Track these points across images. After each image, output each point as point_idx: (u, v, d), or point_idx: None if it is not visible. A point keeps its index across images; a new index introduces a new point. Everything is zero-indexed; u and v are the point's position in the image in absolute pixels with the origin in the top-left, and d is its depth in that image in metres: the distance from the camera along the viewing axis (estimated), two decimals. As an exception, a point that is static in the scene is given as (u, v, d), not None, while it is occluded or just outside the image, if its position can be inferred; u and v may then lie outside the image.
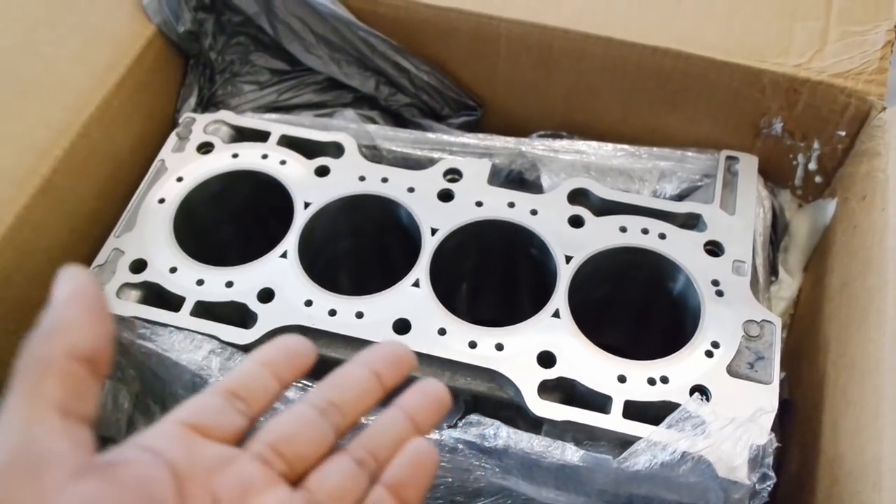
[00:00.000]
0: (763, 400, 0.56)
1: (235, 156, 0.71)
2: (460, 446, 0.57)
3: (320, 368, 0.62)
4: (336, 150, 0.72)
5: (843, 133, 0.69)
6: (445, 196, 0.68)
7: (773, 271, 0.75)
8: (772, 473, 0.51)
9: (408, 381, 0.40)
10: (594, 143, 0.73)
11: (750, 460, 0.52)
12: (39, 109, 0.65)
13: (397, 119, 0.81)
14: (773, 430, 0.54)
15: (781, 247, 0.77)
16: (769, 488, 0.50)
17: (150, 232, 0.66)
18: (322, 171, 0.70)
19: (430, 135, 0.74)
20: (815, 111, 0.69)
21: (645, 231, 0.66)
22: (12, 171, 0.63)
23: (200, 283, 0.63)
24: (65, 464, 0.29)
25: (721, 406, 0.55)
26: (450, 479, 0.58)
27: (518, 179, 0.74)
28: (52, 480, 0.28)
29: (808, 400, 0.63)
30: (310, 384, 0.59)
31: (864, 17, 0.70)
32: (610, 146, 0.73)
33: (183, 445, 0.33)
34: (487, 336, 0.60)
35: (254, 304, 0.62)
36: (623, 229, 0.66)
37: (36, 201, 0.62)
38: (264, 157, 0.71)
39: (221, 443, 0.35)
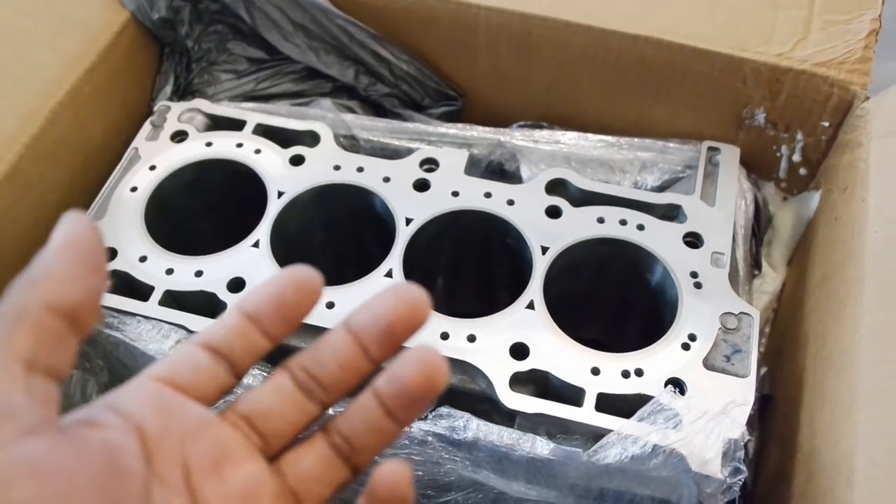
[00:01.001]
0: (740, 393, 0.55)
1: (209, 144, 0.70)
2: (430, 439, 0.55)
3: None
4: (311, 139, 0.71)
5: (827, 123, 0.68)
6: (421, 186, 0.67)
7: (755, 265, 0.74)
8: (743, 467, 0.49)
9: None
10: (574, 134, 0.72)
11: (723, 454, 0.51)
12: (6, 96, 0.64)
13: (377, 109, 0.80)
14: (751, 425, 0.53)
15: (765, 240, 0.76)
16: (740, 482, 0.49)
17: (120, 221, 0.65)
18: (296, 161, 0.69)
19: (408, 124, 0.73)
20: (797, 101, 0.68)
21: (623, 222, 0.65)
22: (-23, 158, 0.62)
23: (170, 272, 0.62)
24: (18, 419, 0.27)
25: (696, 399, 0.54)
26: (420, 473, 0.57)
27: (498, 170, 0.73)
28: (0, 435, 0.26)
29: (788, 395, 0.62)
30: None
31: (848, 6, 0.68)
32: (590, 137, 0.72)
33: (158, 407, 0.32)
34: (459, 327, 0.59)
35: (223, 294, 0.61)
36: (601, 220, 0.65)
37: (1, 188, 0.61)
38: (239, 145, 0.70)
39: (200, 403, 0.33)
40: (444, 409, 0.56)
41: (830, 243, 0.63)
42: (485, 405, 0.58)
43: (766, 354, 0.72)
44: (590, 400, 0.55)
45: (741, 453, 0.50)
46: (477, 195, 0.66)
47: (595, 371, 0.57)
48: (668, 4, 0.70)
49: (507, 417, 0.57)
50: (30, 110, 0.64)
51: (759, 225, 0.74)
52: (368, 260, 0.66)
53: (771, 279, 0.75)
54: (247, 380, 0.58)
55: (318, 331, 0.59)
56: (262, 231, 0.64)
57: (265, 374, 0.58)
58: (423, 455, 0.56)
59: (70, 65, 0.68)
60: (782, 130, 0.71)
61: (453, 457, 0.56)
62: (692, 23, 0.69)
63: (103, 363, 0.64)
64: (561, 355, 0.57)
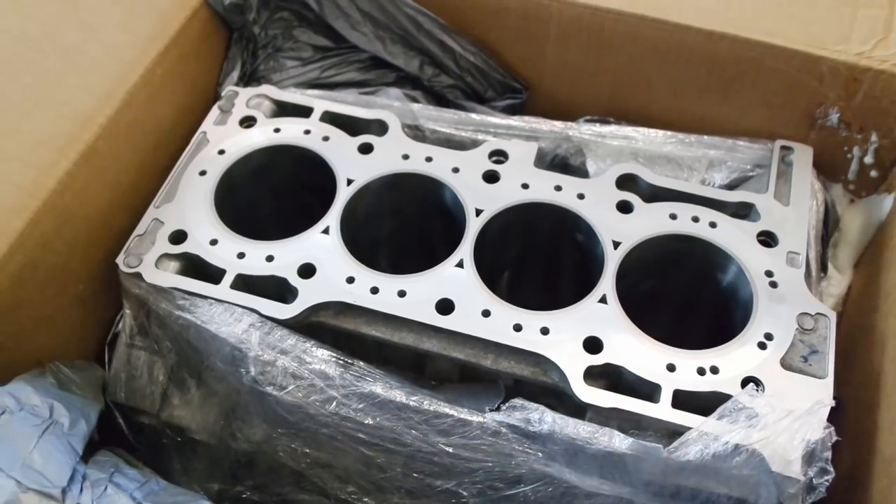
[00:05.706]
0: (818, 394, 0.54)
1: (277, 130, 0.70)
2: (503, 430, 0.55)
3: (359, 347, 0.61)
4: (379, 127, 0.70)
5: (905, 126, 0.67)
6: (491, 177, 0.67)
7: (822, 267, 0.73)
8: (830, 468, 0.49)
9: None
10: (643, 129, 0.72)
11: (805, 455, 0.50)
12: (82, 76, 0.64)
13: (440, 100, 0.80)
14: (828, 425, 0.52)
15: (831, 243, 0.75)
16: (827, 483, 0.48)
17: (190, 203, 0.65)
18: (365, 149, 0.69)
19: (475, 116, 0.73)
20: (875, 102, 0.67)
21: (695, 219, 0.64)
22: (55, 138, 0.62)
23: (241, 256, 0.62)
24: None
25: (774, 399, 0.53)
26: (490, 464, 0.57)
27: (562, 164, 0.73)
28: None
29: (860, 398, 0.61)
30: (350, 361, 0.58)
31: (930, 5, 0.67)
32: (659, 133, 0.72)
33: None
34: (533, 319, 0.58)
35: (294, 279, 0.61)
36: (673, 216, 0.64)
37: (78, 168, 0.61)
38: (307, 132, 0.70)
39: None
40: (517, 401, 0.56)
41: (910, 246, 0.62)
42: (549, 398, 0.58)
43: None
44: (666, 396, 0.55)
45: (828, 454, 0.49)
46: (547, 188, 0.66)
47: (671, 367, 0.56)
48: (744, 0, 0.69)
49: (574, 411, 0.56)
50: (106, 92, 0.64)
51: (827, 227, 0.72)
52: (433, 249, 0.66)
53: (837, 282, 0.74)
54: (317, 365, 0.58)
55: (391, 319, 0.59)
56: (332, 217, 0.64)
57: (336, 360, 0.58)
58: (494, 447, 0.56)
59: (144, 47, 0.68)
60: (856, 131, 0.70)
61: (526, 449, 0.55)
62: (769, 19, 0.68)
63: (171, 346, 0.64)
64: (635, 350, 0.57)
